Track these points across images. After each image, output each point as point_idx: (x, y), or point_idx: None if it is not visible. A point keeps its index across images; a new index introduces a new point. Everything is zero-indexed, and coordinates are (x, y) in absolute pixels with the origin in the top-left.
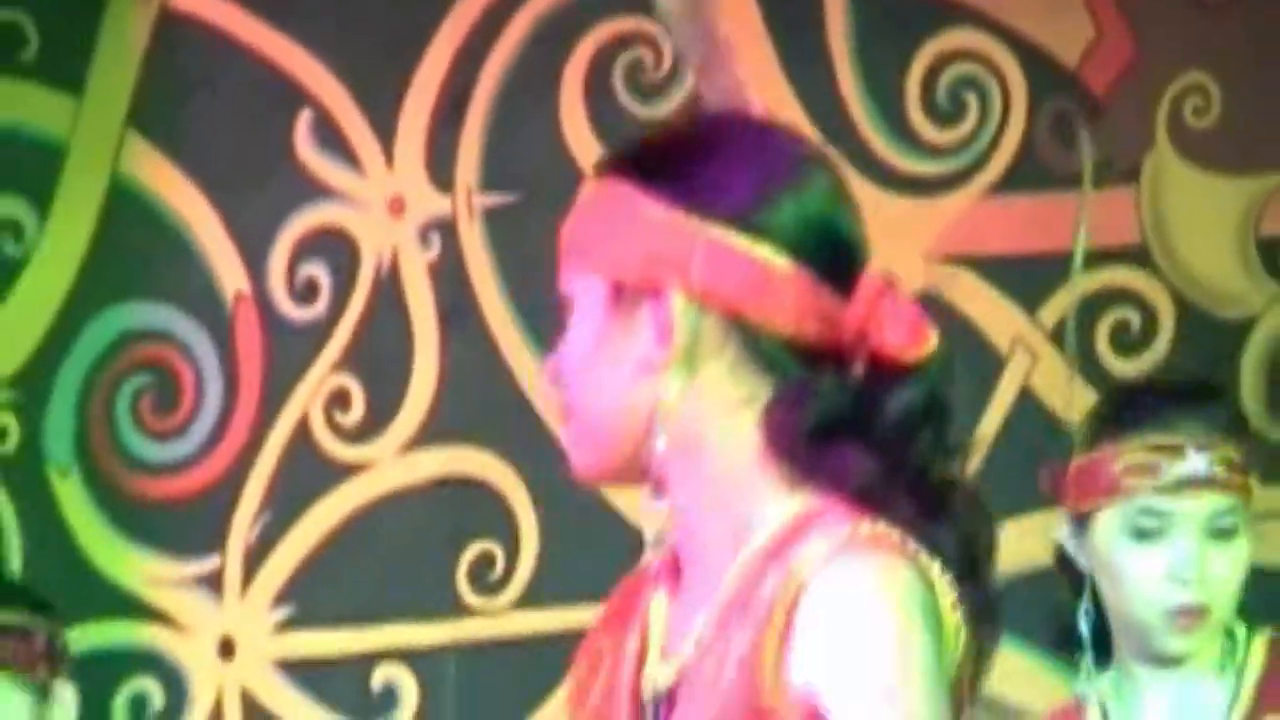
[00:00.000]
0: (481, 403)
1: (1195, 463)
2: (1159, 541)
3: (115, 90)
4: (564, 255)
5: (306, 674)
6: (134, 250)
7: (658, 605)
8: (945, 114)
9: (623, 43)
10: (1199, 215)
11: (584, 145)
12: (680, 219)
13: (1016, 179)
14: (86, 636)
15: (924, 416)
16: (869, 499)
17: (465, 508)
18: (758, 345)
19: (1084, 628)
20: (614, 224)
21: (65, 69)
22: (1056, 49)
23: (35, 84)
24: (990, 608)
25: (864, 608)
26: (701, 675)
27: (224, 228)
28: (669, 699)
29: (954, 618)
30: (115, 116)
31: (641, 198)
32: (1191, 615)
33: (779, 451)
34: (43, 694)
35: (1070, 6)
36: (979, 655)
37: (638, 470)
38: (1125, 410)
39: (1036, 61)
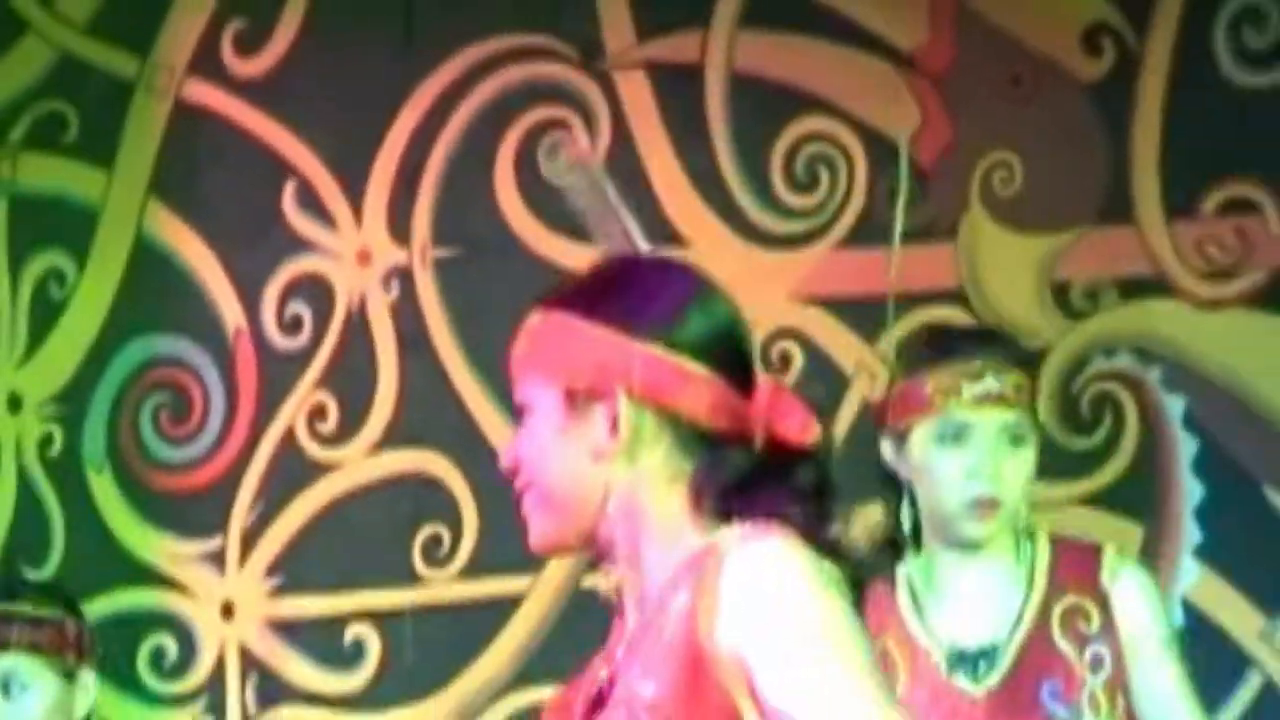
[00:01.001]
0: (432, 415)
1: (991, 383)
2: (962, 447)
3: (139, 165)
4: (518, 372)
5: (292, 632)
6: (154, 293)
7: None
8: (802, 184)
9: (544, 128)
10: (1005, 265)
11: (514, 209)
12: (619, 338)
13: (859, 236)
14: (115, 601)
15: (816, 487)
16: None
17: (419, 498)
18: (684, 433)
19: (906, 524)
20: (564, 345)
21: (99, 148)
22: (891, 132)
23: (75, 160)
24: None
25: (774, 575)
26: (647, 638)
27: (226, 275)
28: (610, 686)
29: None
30: (139, 186)
31: (584, 323)
32: (987, 506)
33: (701, 510)
34: (70, 677)
35: (901, 98)
36: None
37: (586, 539)
38: (936, 345)
39: (875, 142)
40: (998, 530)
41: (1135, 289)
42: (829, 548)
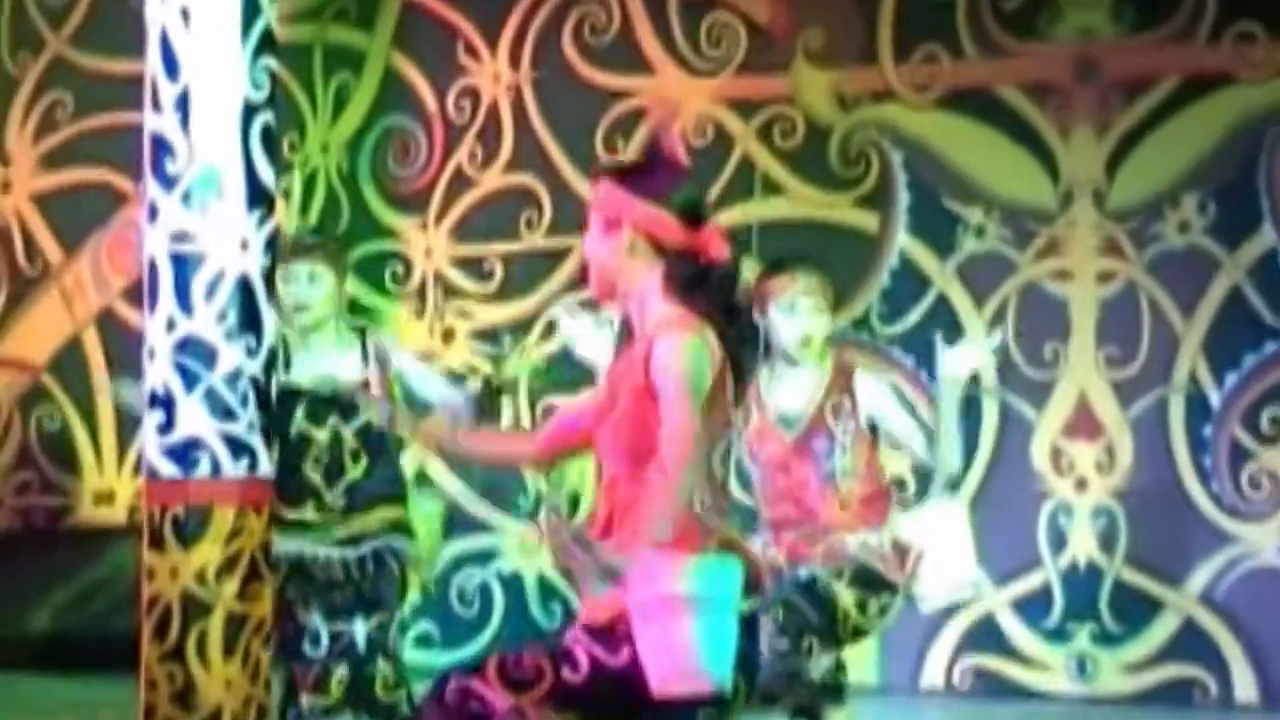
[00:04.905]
0: (529, 157)
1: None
2: (795, 316)
3: (386, 31)
4: (592, 209)
5: (459, 261)
6: (393, 95)
7: None
8: (715, 42)
9: (586, 16)
10: (812, 86)
11: (573, 54)
12: (631, 199)
13: (741, 72)
14: (372, 246)
15: (728, 277)
16: (697, 305)
17: (524, 199)
18: (661, 246)
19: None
20: (606, 198)
21: (366, 22)
22: (759, 20)
23: (354, 29)
24: (750, 350)
25: (673, 352)
26: (629, 355)
27: (429, 87)
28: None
29: (717, 357)
30: (386, 42)
31: (615, 189)
32: (805, 344)
33: (667, 289)
34: (341, 278)
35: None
36: (739, 372)
37: (615, 294)
38: (776, 266)
39: (751, 27)
40: (808, 355)
41: (878, 97)
42: (724, 315)
